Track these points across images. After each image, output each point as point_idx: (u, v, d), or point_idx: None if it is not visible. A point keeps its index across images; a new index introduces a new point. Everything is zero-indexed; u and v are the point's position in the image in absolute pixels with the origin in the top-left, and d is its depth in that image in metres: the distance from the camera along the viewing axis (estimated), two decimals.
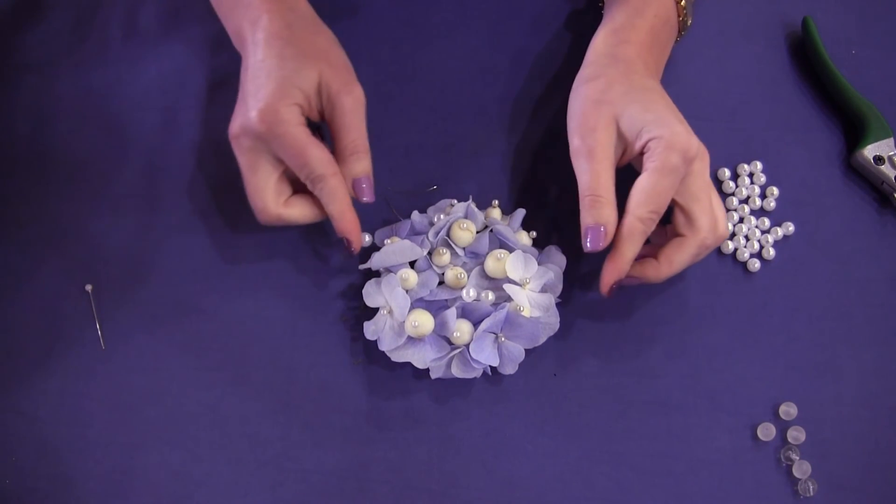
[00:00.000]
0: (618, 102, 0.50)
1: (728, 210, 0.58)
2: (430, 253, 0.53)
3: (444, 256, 0.53)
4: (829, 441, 0.53)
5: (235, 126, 0.50)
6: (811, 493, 0.52)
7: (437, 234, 0.54)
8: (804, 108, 0.61)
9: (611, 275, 0.50)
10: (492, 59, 0.62)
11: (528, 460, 0.53)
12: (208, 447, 0.53)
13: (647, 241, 0.52)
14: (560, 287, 0.53)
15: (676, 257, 0.50)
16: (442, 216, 0.54)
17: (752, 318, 0.56)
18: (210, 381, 0.54)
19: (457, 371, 0.51)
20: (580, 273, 0.56)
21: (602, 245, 0.49)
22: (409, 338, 0.51)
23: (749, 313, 0.56)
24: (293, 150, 0.49)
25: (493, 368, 0.51)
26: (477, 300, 0.52)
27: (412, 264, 0.54)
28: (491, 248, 0.53)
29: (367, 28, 0.62)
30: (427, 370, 0.51)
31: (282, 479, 0.52)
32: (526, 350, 0.51)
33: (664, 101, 0.52)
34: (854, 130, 0.60)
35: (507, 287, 0.51)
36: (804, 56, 0.62)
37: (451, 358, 0.51)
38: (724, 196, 0.59)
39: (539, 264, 0.53)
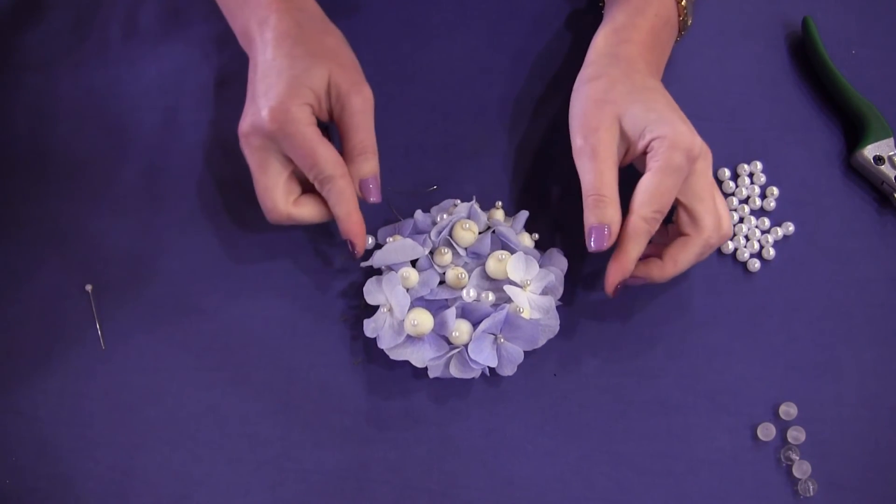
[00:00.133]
0: (620, 102, 0.50)
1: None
2: (431, 252, 0.53)
3: (446, 256, 0.53)
4: (829, 441, 0.53)
5: (245, 125, 0.50)
6: (811, 493, 0.52)
7: (439, 233, 0.54)
8: (804, 108, 0.61)
9: (615, 275, 0.50)
10: (492, 59, 0.61)
11: (528, 460, 0.53)
12: (208, 447, 0.53)
13: (650, 241, 0.52)
14: (561, 290, 0.53)
15: (681, 257, 0.50)
16: (445, 216, 0.54)
17: (752, 318, 0.56)
18: (210, 381, 0.54)
19: (455, 371, 0.51)
20: (582, 273, 0.56)
21: (606, 245, 0.49)
22: (409, 336, 0.51)
23: (749, 313, 0.56)
24: (303, 149, 0.49)
25: (491, 369, 0.51)
26: (477, 300, 0.52)
27: (414, 263, 0.54)
28: (493, 249, 0.53)
29: (367, 28, 0.62)
30: (426, 369, 0.51)
31: (282, 479, 0.52)
32: (525, 351, 0.51)
33: (666, 100, 0.52)
34: (854, 130, 0.60)
35: (508, 288, 0.51)
36: (804, 56, 0.62)
37: (450, 358, 0.51)
38: (725, 196, 0.59)
39: (540, 267, 0.53)
